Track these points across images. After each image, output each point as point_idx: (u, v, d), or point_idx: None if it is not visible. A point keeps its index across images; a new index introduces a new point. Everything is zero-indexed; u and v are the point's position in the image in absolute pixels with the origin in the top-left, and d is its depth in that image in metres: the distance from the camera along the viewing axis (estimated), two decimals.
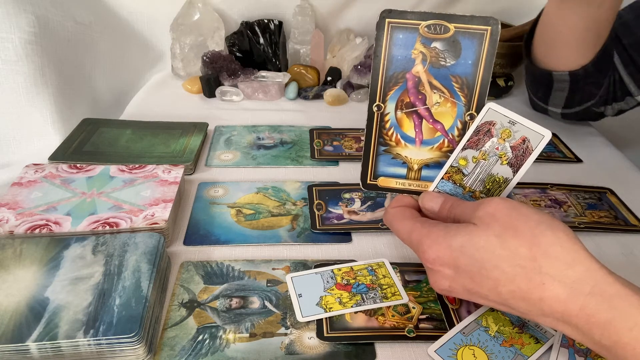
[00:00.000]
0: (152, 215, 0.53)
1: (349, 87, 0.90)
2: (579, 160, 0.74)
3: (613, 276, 0.35)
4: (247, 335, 0.44)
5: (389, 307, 0.47)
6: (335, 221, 0.58)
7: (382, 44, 0.45)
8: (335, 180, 0.66)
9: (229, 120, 0.81)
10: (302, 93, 0.90)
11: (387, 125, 0.47)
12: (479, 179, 0.45)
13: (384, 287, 0.49)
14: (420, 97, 0.46)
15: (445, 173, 0.46)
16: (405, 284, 0.50)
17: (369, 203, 0.61)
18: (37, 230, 0.51)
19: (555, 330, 0.45)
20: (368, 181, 0.49)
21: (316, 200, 0.61)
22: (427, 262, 0.41)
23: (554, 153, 0.75)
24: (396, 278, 0.50)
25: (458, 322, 0.46)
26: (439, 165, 0.47)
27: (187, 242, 0.55)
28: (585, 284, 0.35)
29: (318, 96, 0.90)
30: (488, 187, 0.45)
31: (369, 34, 0.96)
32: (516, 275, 0.36)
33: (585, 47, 0.70)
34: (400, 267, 0.52)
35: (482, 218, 0.39)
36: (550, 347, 0.44)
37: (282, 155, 0.71)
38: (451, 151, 0.46)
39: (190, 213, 0.59)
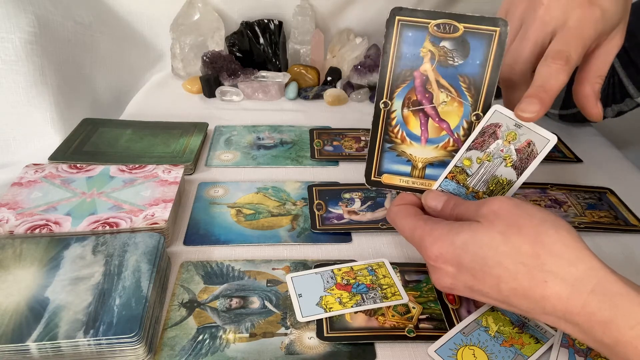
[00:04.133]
0: (152, 215, 0.53)
1: (349, 87, 0.90)
2: (579, 160, 0.74)
3: (615, 275, 0.35)
4: (247, 335, 0.44)
5: (389, 307, 0.47)
6: (335, 221, 0.58)
7: (391, 41, 0.45)
8: (335, 180, 0.66)
9: (229, 120, 0.81)
10: (302, 93, 0.90)
11: (393, 123, 0.47)
12: (482, 179, 0.45)
13: (384, 287, 0.49)
14: (427, 95, 0.46)
15: (449, 172, 0.46)
16: (405, 284, 0.50)
17: (369, 203, 0.61)
18: (37, 230, 0.51)
19: (555, 330, 0.45)
20: (372, 177, 0.49)
21: (316, 200, 0.61)
22: (430, 260, 0.41)
23: (554, 153, 0.75)
24: (396, 278, 0.50)
25: (458, 322, 0.46)
26: (443, 164, 0.47)
27: (187, 242, 0.55)
28: (588, 283, 0.35)
29: (318, 96, 0.90)
30: (491, 188, 0.45)
31: (369, 34, 0.96)
32: (518, 273, 0.36)
33: None
34: (400, 267, 0.52)
35: (486, 216, 0.39)
36: (550, 347, 0.44)
37: (282, 155, 0.71)
38: (456, 151, 0.47)
39: (190, 213, 0.59)
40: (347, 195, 0.62)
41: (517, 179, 0.44)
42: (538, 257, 0.36)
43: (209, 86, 0.87)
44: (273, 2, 0.94)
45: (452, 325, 0.46)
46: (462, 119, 0.46)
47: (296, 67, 0.92)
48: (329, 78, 0.93)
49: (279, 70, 0.94)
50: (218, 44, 0.93)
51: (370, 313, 0.46)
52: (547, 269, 0.36)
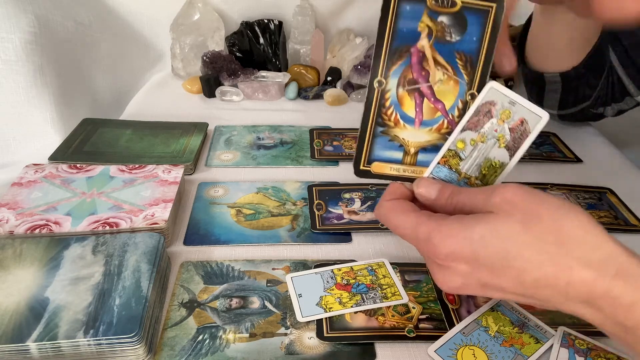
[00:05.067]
0: (152, 215, 0.53)
1: (349, 87, 0.90)
2: (579, 160, 0.74)
3: (636, 257, 0.34)
4: (247, 335, 0.44)
5: (389, 307, 0.47)
6: (335, 221, 0.58)
7: (388, 15, 0.43)
8: (335, 180, 0.66)
9: (229, 120, 0.81)
10: (302, 93, 0.90)
11: (387, 104, 0.45)
12: (475, 163, 0.43)
13: (384, 287, 0.49)
14: (423, 73, 0.44)
15: (442, 157, 0.44)
16: (405, 284, 0.50)
17: (369, 203, 0.61)
18: (37, 230, 0.51)
19: (555, 330, 0.45)
20: (361, 166, 0.46)
21: (316, 200, 0.61)
22: (438, 259, 0.38)
23: (554, 153, 0.75)
24: (396, 278, 0.50)
25: (458, 322, 0.46)
26: (436, 148, 0.45)
27: (187, 242, 0.55)
28: (611, 266, 0.34)
29: (318, 96, 0.90)
30: (484, 172, 0.43)
31: (369, 34, 0.96)
32: (543, 262, 0.35)
33: (574, 51, 0.70)
34: (400, 267, 0.52)
35: (500, 205, 0.37)
36: (550, 347, 0.44)
37: (282, 155, 0.71)
38: (449, 133, 0.45)
39: (190, 213, 0.59)
40: (347, 195, 0.62)
41: (510, 160, 0.42)
42: (562, 244, 0.35)
43: (209, 86, 0.87)
44: (273, 2, 0.94)
45: (452, 325, 0.46)
46: (458, 98, 0.45)
47: (296, 67, 0.92)
48: (329, 78, 0.93)
49: (279, 70, 0.94)
50: (218, 44, 0.93)
51: (370, 313, 0.46)
52: (571, 255, 0.35)
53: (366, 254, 0.54)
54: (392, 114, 0.45)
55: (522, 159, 0.42)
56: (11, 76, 0.69)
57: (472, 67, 0.44)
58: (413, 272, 0.52)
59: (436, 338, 0.44)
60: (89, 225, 0.51)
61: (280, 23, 0.93)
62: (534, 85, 0.79)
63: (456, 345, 0.44)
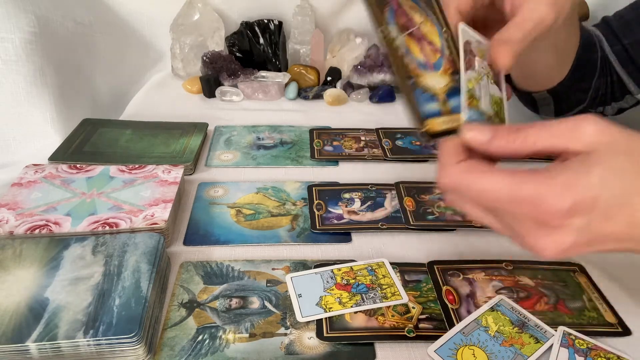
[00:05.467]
0: (152, 216, 0.53)
1: (349, 87, 0.91)
2: None
3: None
4: (247, 335, 0.44)
5: (388, 307, 0.47)
6: (335, 221, 0.58)
7: None
8: (335, 180, 0.66)
9: (229, 120, 0.81)
10: (302, 93, 0.90)
11: (400, 52, 0.41)
12: (487, 101, 0.41)
13: (384, 287, 0.49)
14: (409, 17, 0.41)
15: (467, 99, 0.40)
16: (405, 284, 0.50)
17: (368, 203, 0.61)
18: (37, 231, 0.51)
19: (555, 330, 0.45)
20: (423, 128, 0.39)
21: (316, 200, 0.61)
22: (555, 218, 0.33)
23: None
24: (396, 278, 0.50)
25: (458, 322, 0.46)
26: (455, 91, 0.41)
27: (187, 242, 0.55)
28: None
29: (318, 96, 0.90)
30: (495, 109, 0.41)
31: (369, 34, 0.96)
32: None
33: (556, 68, 0.70)
34: (400, 267, 0.52)
35: (600, 139, 0.34)
36: (550, 347, 0.44)
37: (282, 155, 0.71)
38: (454, 73, 0.42)
39: (190, 213, 0.59)
40: (347, 195, 0.62)
41: (502, 94, 0.41)
42: None
43: (209, 86, 0.87)
44: (273, 2, 0.94)
45: (451, 325, 0.46)
46: (440, 38, 0.42)
47: (296, 67, 0.92)
48: (329, 78, 0.93)
49: (279, 70, 0.94)
50: (218, 44, 0.93)
51: (370, 313, 0.46)
52: None
53: (366, 254, 0.54)
54: (409, 62, 0.41)
55: (523, 159, 0.41)
56: (11, 76, 0.69)
57: (430, 6, 0.42)
58: (413, 272, 0.52)
59: (436, 338, 0.44)
60: (88, 225, 0.51)
61: (280, 23, 0.93)
62: (526, 102, 0.80)
63: (456, 345, 0.44)
